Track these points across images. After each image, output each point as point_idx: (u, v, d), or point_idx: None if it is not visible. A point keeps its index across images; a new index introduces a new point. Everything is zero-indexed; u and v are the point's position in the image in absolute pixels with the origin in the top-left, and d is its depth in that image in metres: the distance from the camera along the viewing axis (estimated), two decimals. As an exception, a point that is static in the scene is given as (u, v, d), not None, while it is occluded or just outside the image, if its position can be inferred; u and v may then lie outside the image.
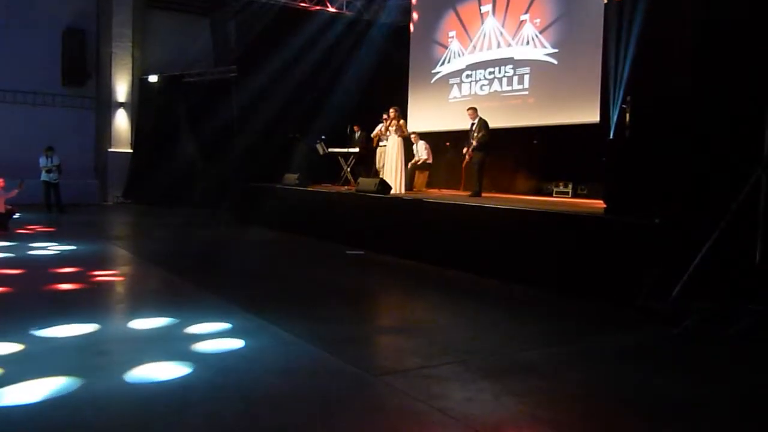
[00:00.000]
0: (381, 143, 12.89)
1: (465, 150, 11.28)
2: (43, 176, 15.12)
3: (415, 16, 15.79)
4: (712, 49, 6.27)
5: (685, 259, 5.77)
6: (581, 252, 6.95)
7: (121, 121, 19.15)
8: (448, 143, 13.86)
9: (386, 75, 15.64)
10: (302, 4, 15.81)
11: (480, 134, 10.92)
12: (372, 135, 13.15)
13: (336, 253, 10.06)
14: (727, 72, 6.19)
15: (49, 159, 15.08)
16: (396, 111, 12.03)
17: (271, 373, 4.21)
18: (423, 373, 4.25)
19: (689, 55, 6.47)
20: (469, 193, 11.09)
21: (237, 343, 4.82)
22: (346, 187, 13.36)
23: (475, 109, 11.22)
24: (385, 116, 12.37)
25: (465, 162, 11.42)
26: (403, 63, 15.80)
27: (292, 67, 15.04)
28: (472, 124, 11.12)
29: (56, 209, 15.11)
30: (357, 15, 16.52)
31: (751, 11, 6.11)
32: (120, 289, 7.18)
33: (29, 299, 6.28)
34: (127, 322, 5.42)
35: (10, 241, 10.09)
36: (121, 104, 19.05)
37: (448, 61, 14.55)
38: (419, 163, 13.25)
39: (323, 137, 14.53)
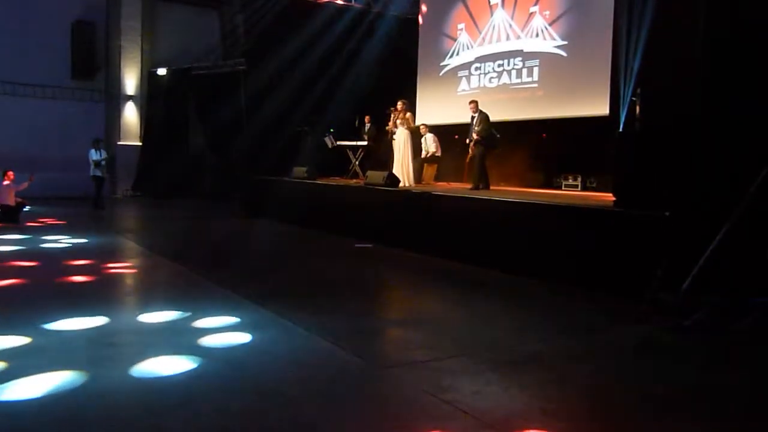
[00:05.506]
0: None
1: (469, 144, 11.16)
2: (93, 171, 14.58)
3: (424, 8, 15.74)
4: (723, 42, 6.22)
5: (696, 251, 5.75)
6: (591, 245, 6.92)
7: (131, 114, 19.19)
8: (456, 136, 13.81)
9: (395, 67, 15.58)
10: (310, -4, 15.78)
11: (480, 128, 10.85)
12: (387, 128, 13.13)
13: (344, 246, 10.07)
14: (738, 64, 6.14)
15: (99, 152, 14.59)
16: (404, 104, 11.98)
17: (279, 366, 4.22)
18: (432, 366, 4.25)
19: (700, 48, 6.41)
20: (470, 186, 11.00)
21: (246, 336, 4.84)
22: (354, 180, 13.35)
23: (476, 102, 11.14)
24: (392, 108, 12.30)
25: (469, 156, 11.33)
26: (412, 55, 15.75)
27: (300, 59, 15.04)
28: (473, 117, 11.05)
29: (93, 204, 14.71)
30: (365, 7, 16.48)
31: (763, 4, 6.06)
32: (130, 281, 7.22)
33: (41, 291, 6.32)
34: (137, 315, 5.45)
35: (22, 234, 10.17)
36: (130, 97, 19.09)
37: (457, 54, 14.50)
38: (428, 156, 13.22)
39: (332, 130, 14.52)
